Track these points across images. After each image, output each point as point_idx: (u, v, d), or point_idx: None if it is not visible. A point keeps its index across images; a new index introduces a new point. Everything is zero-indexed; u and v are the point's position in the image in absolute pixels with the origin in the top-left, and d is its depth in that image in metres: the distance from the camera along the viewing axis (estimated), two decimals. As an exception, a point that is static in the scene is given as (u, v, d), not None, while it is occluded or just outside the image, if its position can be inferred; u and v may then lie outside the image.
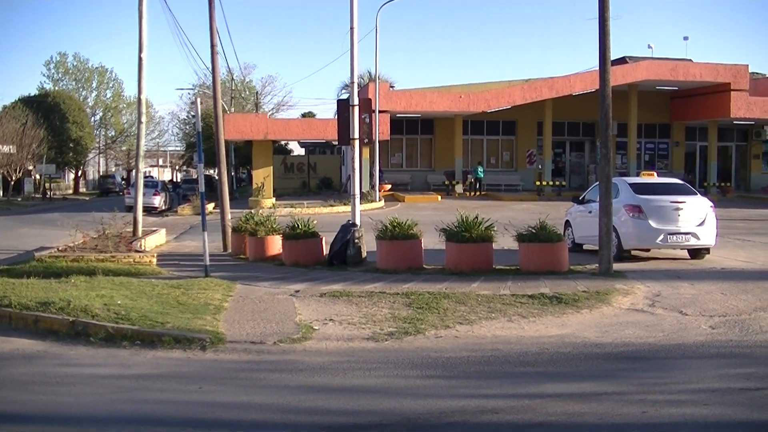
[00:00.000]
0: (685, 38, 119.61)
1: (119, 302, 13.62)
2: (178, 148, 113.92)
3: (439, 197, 48.40)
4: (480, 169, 52.92)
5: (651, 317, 13.99)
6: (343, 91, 74.32)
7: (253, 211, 25.82)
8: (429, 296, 15.15)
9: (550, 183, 52.37)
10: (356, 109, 21.15)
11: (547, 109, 52.57)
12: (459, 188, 51.95)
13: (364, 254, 20.42)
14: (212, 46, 26.88)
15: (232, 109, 73.06)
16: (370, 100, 23.68)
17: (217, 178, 30.77)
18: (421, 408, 8.57)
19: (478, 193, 51.63)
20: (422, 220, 21.91)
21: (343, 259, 20.12)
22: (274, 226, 22.59)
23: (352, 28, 21.44)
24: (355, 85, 21.74)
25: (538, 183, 52.36)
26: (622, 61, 55.42)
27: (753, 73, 57.31)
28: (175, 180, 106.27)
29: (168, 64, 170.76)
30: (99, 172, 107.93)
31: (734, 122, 55.98)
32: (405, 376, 10.15)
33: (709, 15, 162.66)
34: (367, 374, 10.29)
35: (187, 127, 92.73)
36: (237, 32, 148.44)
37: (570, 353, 11.41)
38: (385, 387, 9.64)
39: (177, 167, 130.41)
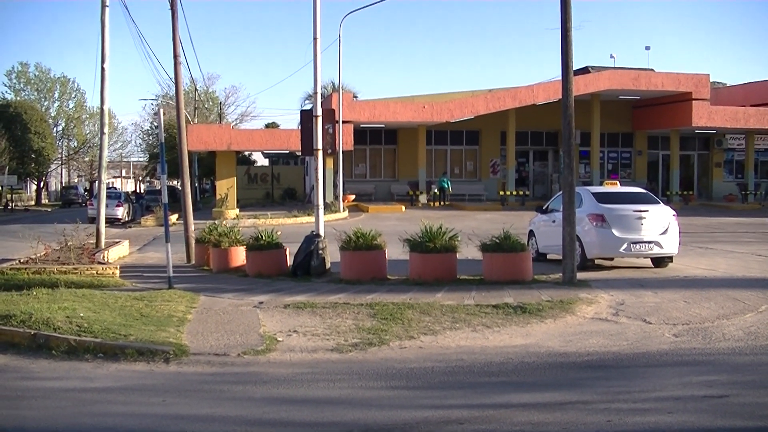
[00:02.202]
0: (647, 48, 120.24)
1: (81, 315, 13.50)
2: (142, 159, 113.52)
3: (403, 207, 48.34)
4: (445, 180, 52.90)
5: (615, 326, 14.05)
6: (307, 101, 74.32)
7: (216, 222, 25.75)
8: (393, 307, 15.15)
9: (514, 192, 52.40)
10: (319, 119, 21.14)
11: (510, 119, 52.67)
12: (423, 198, 51.92)
13: (328, 265, 20.39)
14: (175, 56, 26.83)
15: (196, 120, 72.74)
16: (334, 110, 23.63)
17: (180, 189, 30.63)
18: (385, 419, 8.54)
19: (441, 203, 51.61)
20: (386, 230, 21.90)
21: (307, 270, 20.09)
22: (238, 237, 22.58)
23: (315, 39, 21.46)
24: (318, 96, 21.70)
25: (501, 193, 52.36)
26: (585, 70, 55.71)
27: (714, 82, 57.88)
28: (138, 191, 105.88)
29: (131, 75, 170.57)
30: (61, 183, 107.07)
31: (696, 131, 56.44)
32: (369, 387, 10.13)
33: (670, 25, 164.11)
34: (331, 385, 10.25)
35: (151, 137, 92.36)
36: (200, 42, 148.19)
37: (534, 363, 11.43)
38: (349, 398, 9.62)
39: (140, 178, 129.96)
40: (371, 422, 8.43)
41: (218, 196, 51.10)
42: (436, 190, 52.34)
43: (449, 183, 53.01)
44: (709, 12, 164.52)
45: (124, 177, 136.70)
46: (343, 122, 45.65)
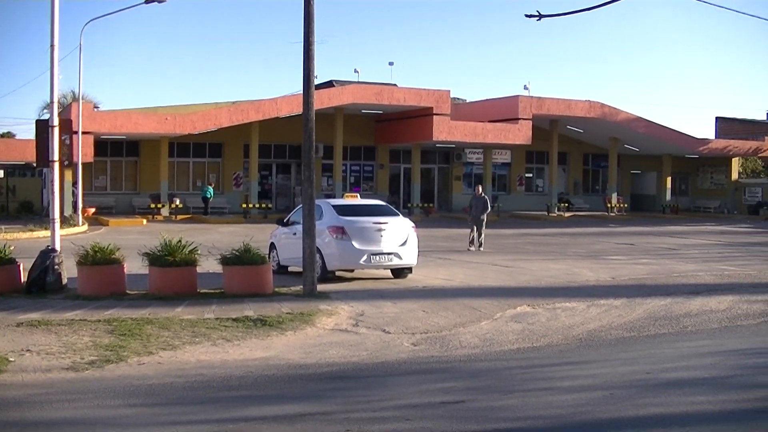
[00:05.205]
0: (391, 63, 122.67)
1: None
2: None
3: (145, 221, 47.50)
4: (208, 189, 52.51)
5: (355, 337, 14.23)
6: (45, 110, 71.83)
7: (-56, 237, 24.55)
8: (132, 322, 14.80)
9: (257, 205, 52.23)
10: (56, 129, 20.48)
11: (253, 132, 52.52)
12: (165, 211, 51.15)
13: (64, 281, 19.73)
14: None
15: (-77, 130, 69.32)
16: (71, 120, 23.02)
17: None
18: (121, 438, 8.33)
19: (181, 217, 50.85)
20: (126, 244, 21.48)
21: (42, 286, 19.37)
22: (-33, 253, 21.53)
23: (52, 46, 20.73)
24: (56, 105, 21.00)
25: (244, 205, 52.14)
26: (329, 84, 56.29)
27: (454, 98, 59.58)
28: None
29: None
30: None
31: (437, 145, 57.81)
32: (106, 406, 9.83)
33: (413, 41, 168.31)
34: (66, 406, 9.89)
35: None
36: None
37: (274, 375, 11.41)
38: (86, 418, 9.30)
39: None
40: (106, 442, 8.20)
41: (-53, 211, 48.85)
42: (177, 203, 51.56)
43: (211, 192, 52.67)
44: (449, 30, 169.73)
45: None
46: (83, 133, 44.27)
